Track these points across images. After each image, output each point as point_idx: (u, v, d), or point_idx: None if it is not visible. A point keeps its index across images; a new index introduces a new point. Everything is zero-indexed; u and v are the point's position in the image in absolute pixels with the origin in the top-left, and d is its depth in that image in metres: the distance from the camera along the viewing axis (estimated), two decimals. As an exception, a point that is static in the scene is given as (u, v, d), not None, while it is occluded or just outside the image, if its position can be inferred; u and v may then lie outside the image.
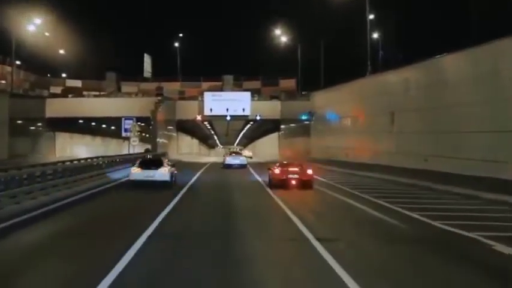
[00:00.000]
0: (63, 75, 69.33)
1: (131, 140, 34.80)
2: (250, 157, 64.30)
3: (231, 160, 39.69)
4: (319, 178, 29.10)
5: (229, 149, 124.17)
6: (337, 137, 40.40)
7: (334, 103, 42.41)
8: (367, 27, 36.21)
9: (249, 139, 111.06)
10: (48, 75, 68.59)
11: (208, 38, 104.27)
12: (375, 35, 56.79)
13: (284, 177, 22.55)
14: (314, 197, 21.06)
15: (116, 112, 54.22)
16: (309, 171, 23.14)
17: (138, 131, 35.44)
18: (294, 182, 22.46)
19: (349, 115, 38.18)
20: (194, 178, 28.35)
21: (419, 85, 27.23)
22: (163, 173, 22.04)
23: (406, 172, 26.05)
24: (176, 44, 78.12)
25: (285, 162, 26.96)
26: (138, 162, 23.49)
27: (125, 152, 65.15)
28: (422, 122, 26.64)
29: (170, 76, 72.87)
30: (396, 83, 30.03)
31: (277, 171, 23.14)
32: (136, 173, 22.23)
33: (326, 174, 31.59)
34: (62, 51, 67.66)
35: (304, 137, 51.94)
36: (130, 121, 37.30)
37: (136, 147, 36.49)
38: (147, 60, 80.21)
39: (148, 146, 50.00)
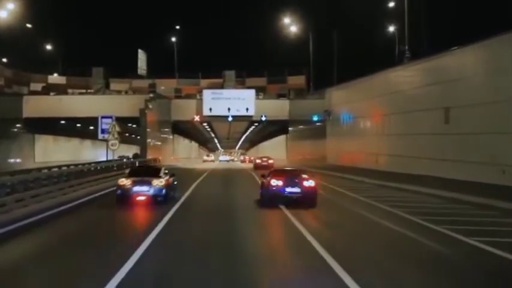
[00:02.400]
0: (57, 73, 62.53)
1: (109, 143, 28.02)
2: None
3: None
4: (351, 194, 22.24)
5: (230, 153, 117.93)
6: (362, 140, 33.57)
7: (356, 100, 35.57)
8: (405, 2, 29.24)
9: (252, 143, 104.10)
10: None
11: (208, 31, 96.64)
12: (391, 28, 51.23)
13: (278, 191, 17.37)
14: (366, 229, 14.20)
15: (102, 111, 47.25)
16: (310, 183, 17.72)
17: (119, 132, 28.53)
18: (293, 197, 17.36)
19: (377, 113, 31.30)
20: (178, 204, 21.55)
21: (488, 71, 20.34)
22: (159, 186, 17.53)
23: (477, 188, 19.10)
24: (173, 39, 71.56)
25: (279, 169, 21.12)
26: (127, 171, 19.69)
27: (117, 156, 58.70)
28: (492, 118, 19.75)
29: (166, 73, 66.21)
30: (454, 68, 23.04)
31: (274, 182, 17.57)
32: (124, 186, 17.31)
33: (358, 189, 24.78)
34: (46, 45, 61.40)
35: (316, 139, 45.12)
36: (109, 120, 30.49)
37: (118, 151, 30.15)
38: (142, 56, 73.58)
39: (137, 150, 43.22)
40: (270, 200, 17.49)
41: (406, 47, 29.08)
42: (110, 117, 31.40)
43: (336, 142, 39.62)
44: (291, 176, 18.22)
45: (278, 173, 18.72)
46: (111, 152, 28.69)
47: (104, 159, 58.12)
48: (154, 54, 72.63)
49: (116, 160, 31.48)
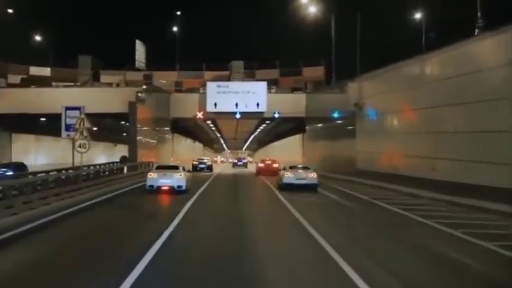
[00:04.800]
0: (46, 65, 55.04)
1: (76, 144, 20.76)
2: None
3: None
4: (436, 225, 14.75)
5: (238, 154, 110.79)
6: (409, 140, 26.13)
7: (399, 88, 28.13)
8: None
9: (260, 143, 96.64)
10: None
11: (212, 18, 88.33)
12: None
13: None
14: None
15: (88, 106, 40.23)
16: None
17: (89, 129, 21.21)
18: None
19: (433, 104, 23.86)
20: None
21: None
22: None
23: None
24: (174, 28, 64.32)
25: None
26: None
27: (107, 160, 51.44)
28: None
29: (167, 66, 58.90)
30: None
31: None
32: None
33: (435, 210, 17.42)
34: (33, 34, 54.42)
35: (342, 139, 37.79)
36: (76, 112, 23.23)
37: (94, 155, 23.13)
38: (140, 48, 66.42)
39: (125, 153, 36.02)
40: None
41: (479, 14, 21.60)
42: (77, 108, 24.08)
43: (369, 142, 32.22)
44: None
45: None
46: (78, 155, 21.26)
47: (99, 161, 51.68)
48: (154, 46, 65.50)
49: (89, 167, 24.30)
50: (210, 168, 47.53)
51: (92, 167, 25.71)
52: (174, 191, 21.22)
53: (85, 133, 20.89)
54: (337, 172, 35.09)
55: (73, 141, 21.61)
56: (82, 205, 17.11)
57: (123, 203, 19.49)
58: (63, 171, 21.80)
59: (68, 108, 24.84)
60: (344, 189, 25.85)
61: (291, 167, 26.27)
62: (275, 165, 40.34)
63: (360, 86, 34.28)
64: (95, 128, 32.86)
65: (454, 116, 22.16)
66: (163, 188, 21.40)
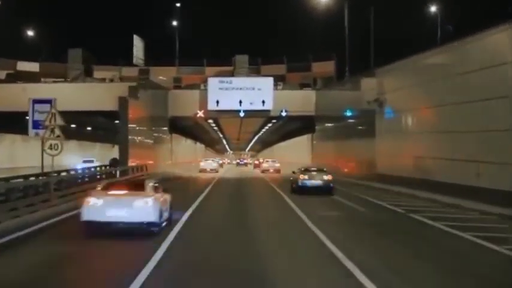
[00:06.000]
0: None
1: (46, 145, 16.80)
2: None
3: None
4: None
5: (241, 155, 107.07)
6: (448, 141, 22.15)
7: (428, 80, 24.17)
8: None
9: (264, 144, 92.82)
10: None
11: (215, 10, 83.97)
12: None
13: None
14: None
15: (78, 104, 36.73)
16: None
17: (63, 127, 17.27)
18: None
19: (479, 96, 19.93)
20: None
21: None
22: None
23: None
24: (174, 23, 60.67)
25: None
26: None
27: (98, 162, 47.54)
28: None
29: (166, 62, 55.20)
30: None
31: None
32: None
33: None
34: (24, 29, 50.80)
35: (358, 139, 33.97)
36: (46, 106, 19.24)
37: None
38: (138, 43, 62.58)
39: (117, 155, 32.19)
40: None
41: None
42: (48, 101, 20.08)
43: (391, 143, 28.30)
44: None
45: None
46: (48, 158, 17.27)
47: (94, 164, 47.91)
48: (152, 40, 61.75)
49: (59, 173, 20.15)
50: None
51: (64, 173, 21.38)
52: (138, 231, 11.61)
53: (57, 131, 16.97)
54: (354, 176, 31.28)
55: (42, 141, 17.63)
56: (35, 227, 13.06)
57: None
58: (31, 178, 17.82)
59: (35, 101, 20.71)
60: (367, 197, 22.01)
61: (306, 170, 24.17)
62: (277, 165, 49.77)
63: (380, 80, 30.36)
64: (73, 126, 29.11)
65: (503, 111, 18.25)
66: (114, 226, 11.54)
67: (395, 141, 27.82)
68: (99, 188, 12.36)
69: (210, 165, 50.83)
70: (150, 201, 11.51)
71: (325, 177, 23.16)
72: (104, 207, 11.27)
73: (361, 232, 13.67)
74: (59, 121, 17.06)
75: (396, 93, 28.14)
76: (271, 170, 48.17)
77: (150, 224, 11.42)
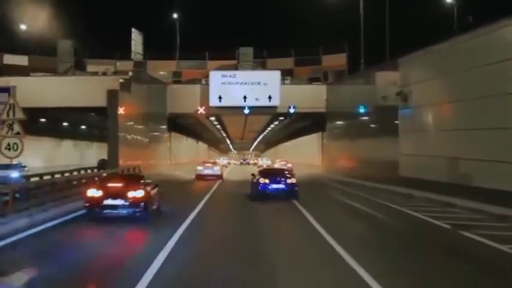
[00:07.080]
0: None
1: (3, 145, 13.32)
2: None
3: None
4: None
5: (244, 154, 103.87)
6: (495, 140, 18.52)
7: (465, 69, 20.61)
8: None
9: (268, 144, 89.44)
10: None
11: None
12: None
13: None
14: None
15: (67, 99, 33.59)
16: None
17: (23, 122, 13.82)
18: None
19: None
20: None
21: None
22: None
23: None
24: (174, 15, 57.34)
25: None
26: None
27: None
28: None
29: (164, 54, 51.84)
30: None
31: None
32: None
33: None
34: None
35: (377, 138, 30.53)
36: (4, 96, 15.74)
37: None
38: (136, 37, 59.29)
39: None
40: None
41: None
42: (6, 90, 16.55)
43: (418, 143, 24.75)
44: None
45: None
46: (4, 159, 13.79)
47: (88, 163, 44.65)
48: (150, 32, 58.42)
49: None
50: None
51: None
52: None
53: (17, 127, 13.54)
54: (373, 179, 27.78)
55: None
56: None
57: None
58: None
59: (-11, 89, 17.24)
60: (395, 205, 18.55)
61: (266, 173, 22.23)
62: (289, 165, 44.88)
63: (406, 70, 26.78)
64: (43, 120, 25.61)
65: None
66: None
67: (423, 140, 24.26)
68: None
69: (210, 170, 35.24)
70: None
71: (289, 181, 20.80)
72: None
73: (402, 261, 10.13)
74: (19, 114, 13.65)
75: (424, 85, 24.58)
76: None
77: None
